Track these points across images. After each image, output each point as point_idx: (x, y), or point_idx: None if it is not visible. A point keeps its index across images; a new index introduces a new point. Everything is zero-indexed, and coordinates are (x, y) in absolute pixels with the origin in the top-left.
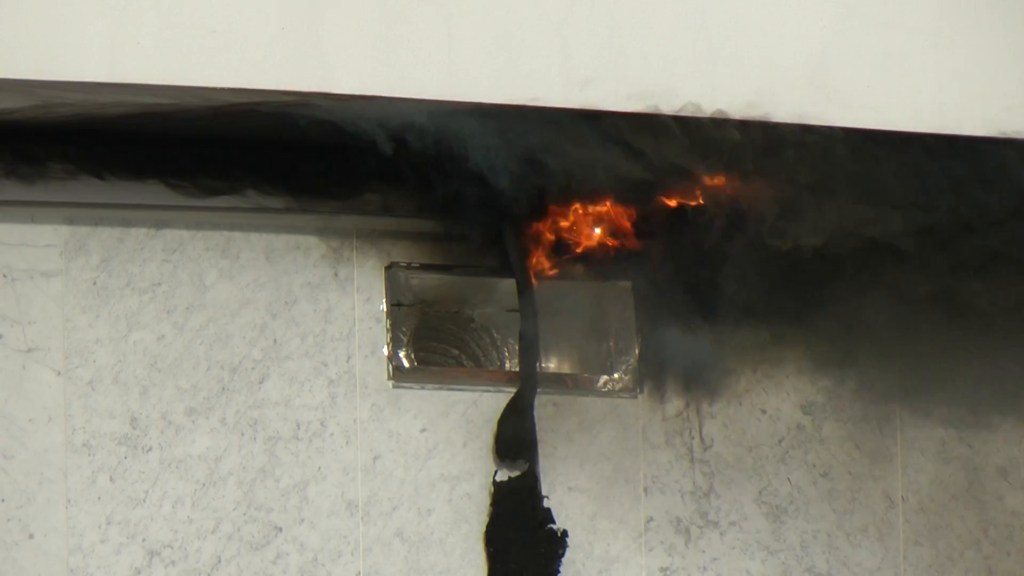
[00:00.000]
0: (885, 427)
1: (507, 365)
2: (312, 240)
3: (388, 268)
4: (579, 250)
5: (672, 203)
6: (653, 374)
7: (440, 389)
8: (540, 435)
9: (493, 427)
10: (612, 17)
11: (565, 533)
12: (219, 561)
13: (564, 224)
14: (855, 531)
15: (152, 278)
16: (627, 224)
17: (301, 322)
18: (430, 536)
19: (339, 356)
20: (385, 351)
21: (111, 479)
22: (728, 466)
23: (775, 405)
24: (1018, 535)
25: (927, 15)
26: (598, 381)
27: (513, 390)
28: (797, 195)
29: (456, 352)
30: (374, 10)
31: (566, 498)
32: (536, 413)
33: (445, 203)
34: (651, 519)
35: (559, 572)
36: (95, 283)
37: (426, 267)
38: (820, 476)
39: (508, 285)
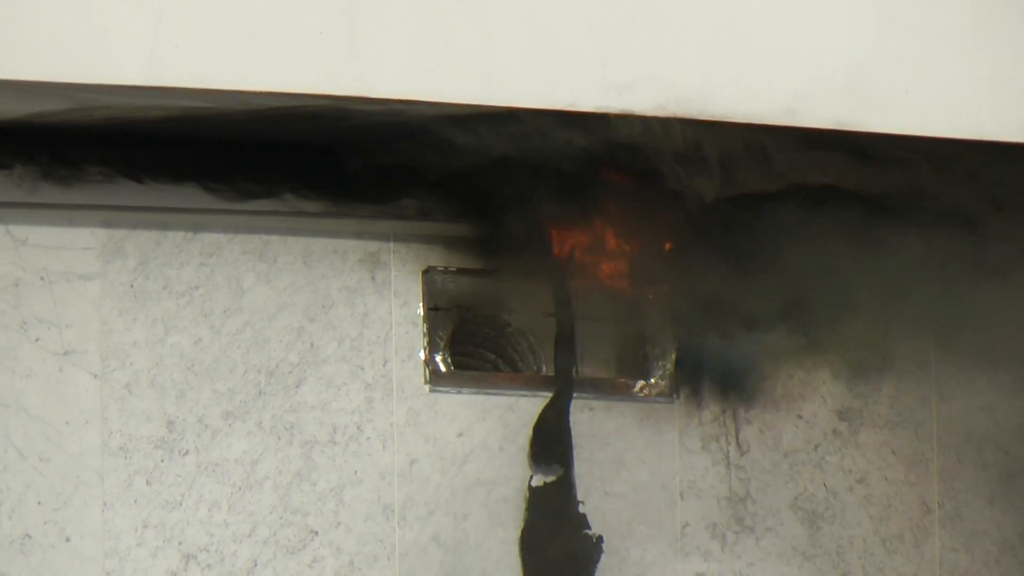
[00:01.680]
0: (921, 432)
1: (543, 369)
2: (349, 244)
3: (425, 272)
4: (616, 256)
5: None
6: (689, 379)
7: (477, 393)
8: (576, 440)
9: (529, 432)
10: (649, 23)
11: (601, 539)
12: (255, 565)
13: (601, 228)
14: (891, 537)
15: (189, 281)
16: (664, 229)
17: (338, 326)
18: (466, 541)
19: (376, 360)
20: (422, 355)
21: (147, 482)
22: (764, 471)
23: (811, 411)
24: None
25: (964, 20)
26: (635, 386)
27: (549, 394)
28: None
29: (493, 356)
30: (411, 14)
31: (602, 503)
32: (572, 418)
33: (482, 207)
34: (687, 524)
35: None
36: (132, 286)
37: (463, 271)
38: (856, 482)
39: (545, 290)
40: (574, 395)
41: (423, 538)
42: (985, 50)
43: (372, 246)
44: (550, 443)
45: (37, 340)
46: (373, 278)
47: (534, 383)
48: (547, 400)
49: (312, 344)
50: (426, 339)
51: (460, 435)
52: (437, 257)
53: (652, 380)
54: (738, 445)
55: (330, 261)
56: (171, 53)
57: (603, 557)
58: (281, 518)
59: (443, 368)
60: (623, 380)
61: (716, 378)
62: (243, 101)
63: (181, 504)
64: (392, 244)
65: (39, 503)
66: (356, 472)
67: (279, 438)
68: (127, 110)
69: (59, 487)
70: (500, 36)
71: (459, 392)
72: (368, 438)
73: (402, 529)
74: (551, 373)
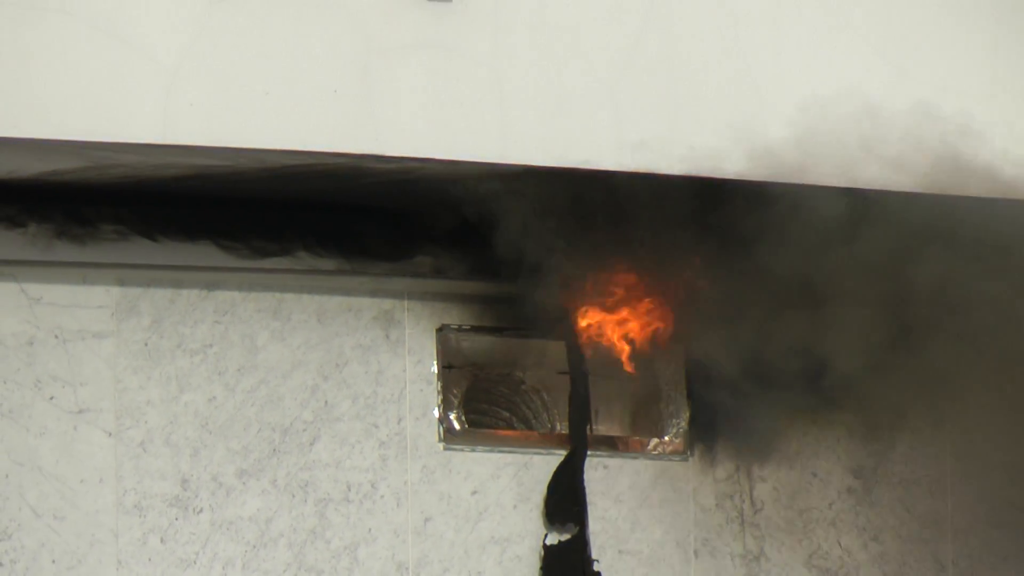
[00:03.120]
0: (936, 490)
1: (558, 427)
2: (364, 302)
3: (439, 330)
4: (630, 320)
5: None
6: (704, 437)
7: (491, 451)
8: (591, 497)
9: (543, 489)
10: (663, 81)
11: None
12: None
13: (615, 290)
14: None
15: (203, 339)
16: (677, 289)
17: (352, 384)
18: None
19: (390, 418)
20: (436, 413)
21: (162, 540)
22: (779, 529)
23: (826, 468)
24: None
25: (984, 77)
26: (649, 444)
27: (564, 452)
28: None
29: (507, 414)
30: (426, 73)
31: (617, 561)
32: (587, 475)
33: (497, 266)
34: None
35: None
36: (146, 344)
37: (477, 329)
38: (871, 539)
39: (559, 348)
40: (588, 453)
41: None
42: (1001, 110)
43: (386, 304)
44: (564, 501)
45: (52, 398)
46: (387, 336)
47: (548, 441)
48: (562, 458)
49: (326, 402)
50: (440, 397)
51: (474, 493)
52: (451, 315)
53: (666, 438)
54: (752, 503)
55: (344, 319)
56: (186, 111)
57: None
58: None
59: (457, 426)
60: (637, 438)
61: (730, 436)
62: (258, 159)
63: (195, 562)
64: (406, 302)
65: (53, 561)
66: (370, 530)
67: (293, 496)
68: (141, 168)
69: (74, 545)
70: (515, 95)
71: (473, 450)
72: (382, 496)
73: None
74: (565, 431)
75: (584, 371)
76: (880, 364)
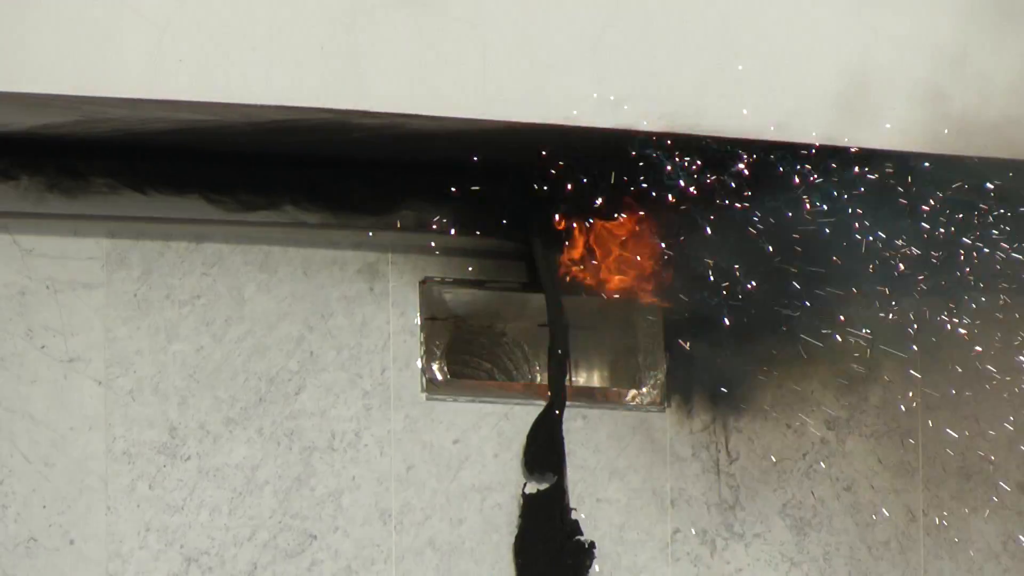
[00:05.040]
0: (907, 442)
1: (538, 379)
2: (348, 255)
3: (422, 283)
4: (608, 267)
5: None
6: (680, 389)
7: (472, 401)
8: (570, 447)
9: (523, 439)
10: (644, 39)
11: (592, 544)
12: (255, 568)
13: (592, 240)
14: (877, 544)
15: (192, 291)
16: (654, 241)
17: (337, 335)
18: (461, 545)
19: (374, 368)
20: (419, 364)
21: (150, 487)
22: (753, 479)
23: (799, 420)
24: None
25: (954, 38)
26: (627, 395)
27: (543, 403)
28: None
29: (488, 365)
30: (411, 30)
31: (595, 509)
32: (566, 426)
33: (477, 219)
34: (677, 530)
35: None
36: (136, 295)
37: (459, 282)
38: (843, 490)
39: (539, 300)
40: (567, 404)
41: (419, 542)
42: (972, 67)
43: (371, 257)
44: (543, 451)
45: (43, 347)
46: (371, 288)
47: (528, 392)
48: (541, 409)
49: (312, 352)
50: (423, 348)
51: (456, 442)
52: (434, 268)
53: (644, 389)
54: (728, 453)
55: (329, 272)
56: (174, 66)
57: (595, 562)
58: (281, 522)
59: (440, 377)
60: (615, 389)
61: (706, 388)
62: (245, 114)
63: (183, 508)
64: (390, 255)
65: (44, 507)
66: (354, 478)
67: (279, 444)
68: (131, 122)
69: (64, 491)
70: (498, 53)
71: (455, 400)
72: (366, 445)
73: (399, 534)
74: (545, 382)
75: (564, 324)
76: (855, 318)
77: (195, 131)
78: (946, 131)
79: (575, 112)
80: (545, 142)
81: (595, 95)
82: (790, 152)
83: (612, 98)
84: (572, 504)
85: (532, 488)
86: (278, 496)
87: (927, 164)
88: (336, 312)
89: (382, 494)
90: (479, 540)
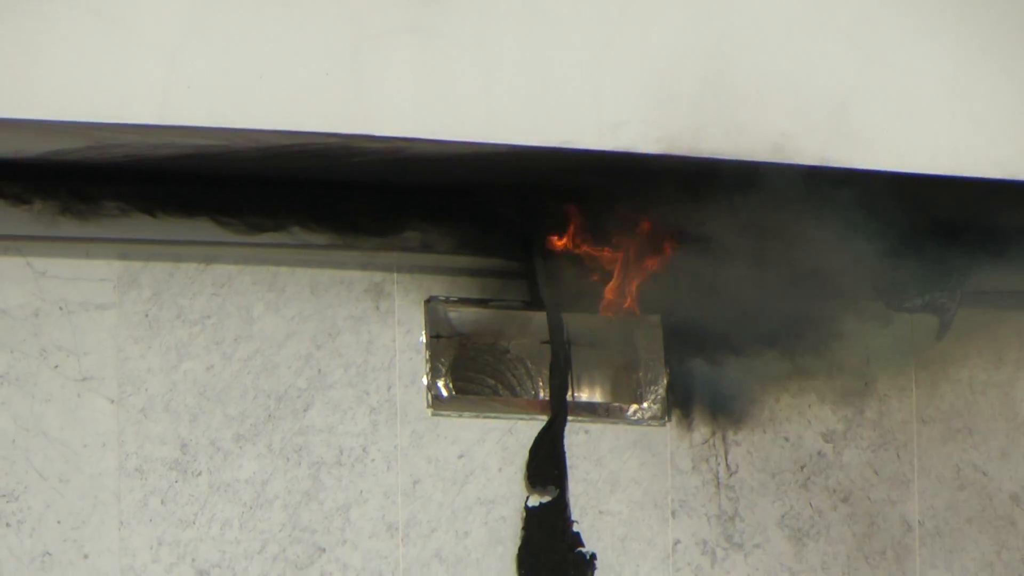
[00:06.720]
0: (903, 454)
1: (541, 395)
2: (355, 275)
3: (427, 302)
4: (608, 284)
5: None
6: (681, 403)
7: (477, 417)
8: (572, 461)
9: (526, 454)
10: (643, 63)
11: (594, 556)
12: None
13: (592, 258)
14: (874, 554)
15: (202, 311)
16: (654, 258)
17: (344, 353)
18: (467, 557)
19: (380, 385)
20: (424, 381)
21: (162, 502)
22: (752, 491)
23: (797, 433)
24: None
25: (945, 61)
26: (628, 410)
27: (546, 418)
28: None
29: (492, 382)
30: (415, 56)
31: (597, 521)
32: (568, 440)
33: (479, 239)
34: (678, 541)
35: None
36: (147, 315)
37: (464, 301)
38: (840, 501)
39: (541, 318)
40: (569, 419)
41: (426, 554)
42: (963, 90)
43: (377, 277)
44: (546, 465)
45: (56, 367)
46: (378, 307)
47: (531, 407)
48: (544, 424)
49: (319, 370)
50: (428, 365)
51: (461, 457)
52: (439, 287)
53: (645, 404)
54: (727, 466)
55: (336, 291)
56: (183, 93)
57: (597, 573)
58: (290, 536)
59: (445, 393)
60: (617, 404)
61: (706, 402)
62: (253, 139)
63: (194, 522)
64: (396, 275)
65: (59, 522)
66: (362, 492)
67: (288, 459)
68: (142, 148)
69: (78, 507)
70: (500, 77)
71: (460, 416)
72: (373, 459)
73: (406, 546)
74: (548, 398)
75: (565, 341)
76: (851, 333)
77: (204, 156)
78: (935, 153)
79: (575, 135)
80: (545, 165)
81: (595, 118)
82: (786, 171)
83: (612, 121)
84: (574, 516)
85: (535, 501)
86: (288, 510)
87: (919, 184)
88: (343, 331)
89: (389, 507)
90: (484, 552)
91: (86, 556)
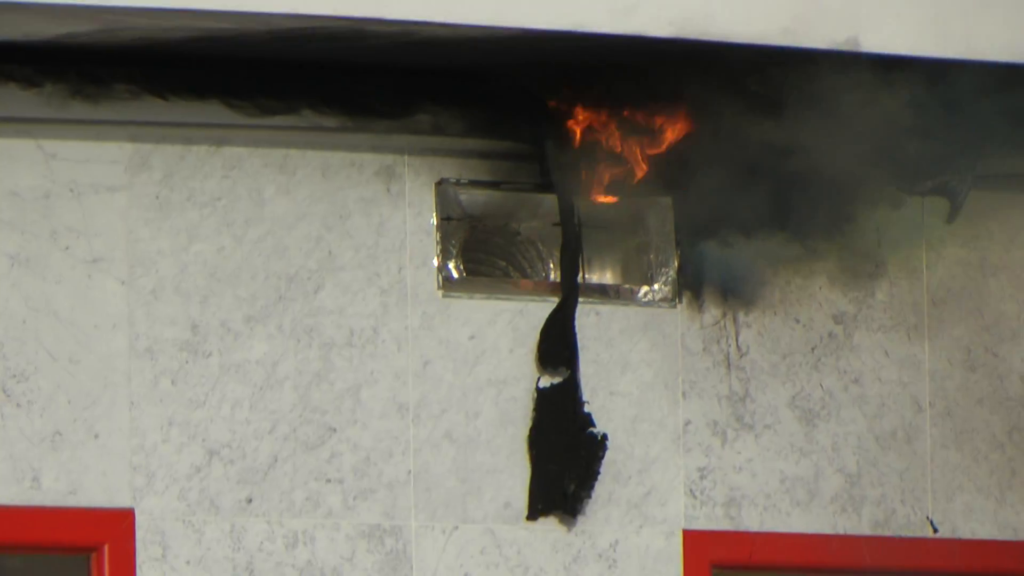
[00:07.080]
0: (913, 336)
1: (551, 276)
2: (366, 157)
3: (438, 184)
4: (620, 165)
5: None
6: (691, 285)
7: (488, 299)
8: (583, 343)
9: (537, 335)
10: None
11: (605, 436)
12: (275, 460)
13: (604, 138)
14: (884, 435)
15: (212, 193)
16: (665, 139)
17: (355, 235)
18: (477, 437)
19: (391, 267)
20: (435, 262)
21: (173, 382)
22: (763, 372)
23: (808, 315)
24: None
25: None
26: (639, 292)
27: (557, 300)
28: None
29: (503, 264)
30: None
31: (608, 402)
32: (579, 322)
33: (491, 122)
34: (689, 422)
35: (600, 472)
36: (158, 197)
37: (475, 183)
38: (851, 382)
39: (553, 200)
40: (580, 300)
41: (436, 435)
42: None
43: (387, 159)
44: (557, 346)
45: (67, 248)
46: (388, 190)
47: (542, 289)
48: (555, 305)
49: (330, 252)
50: (439, 247)
51: (472, 338)
52: (450, 169)
53: (656, 286)
54: (738, 347)
55: (347, 174)
56: None
57: (609, 453)
58: (301, 416)
59: (455, 275)
60: (628, 286)
61: (717, 284)
62: (264, 22)
63: (205, 403)
64: (407, 157)
65: (69, 402)
66: (372, 372)
67: (299, 341)
68: (153, 31)
69: (88, 387)
70: None
71: (471, 297)
72: (384, 340)
73: (416, 426)
74: (559, 279)
75: (576, 223)
76: (861, 216)
77: (215, 39)
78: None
79: (588, 19)
80: (556, 48)
81: (607, 2)
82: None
83: (624, 5)
84: (585, 397)
85: (546, 382)
86: (298, 391)
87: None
88: (354, 213)
89: (399, 388)
90: (495, 432)
91: (96, 436)
